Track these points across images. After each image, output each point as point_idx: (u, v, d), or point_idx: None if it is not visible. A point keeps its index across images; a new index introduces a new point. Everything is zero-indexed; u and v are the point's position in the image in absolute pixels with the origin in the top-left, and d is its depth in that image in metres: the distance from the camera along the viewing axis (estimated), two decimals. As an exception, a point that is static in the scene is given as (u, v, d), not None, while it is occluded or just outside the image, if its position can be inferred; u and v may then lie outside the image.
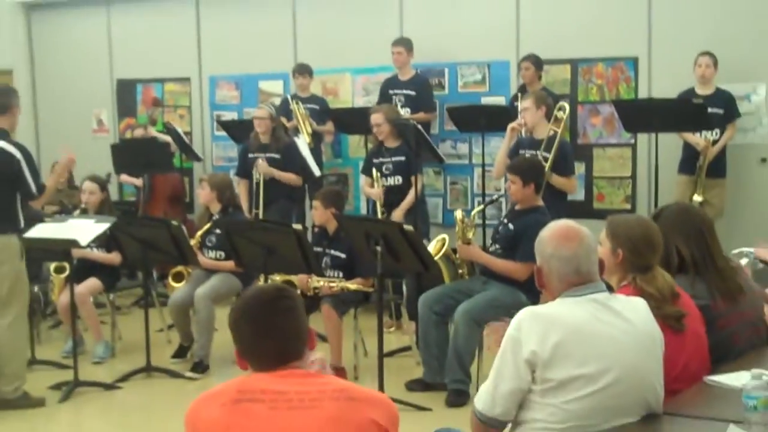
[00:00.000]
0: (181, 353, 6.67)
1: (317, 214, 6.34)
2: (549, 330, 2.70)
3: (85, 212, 6.77)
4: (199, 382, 6.15)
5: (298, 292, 5.73)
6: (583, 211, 7.14)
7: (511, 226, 5.61)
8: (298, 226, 6.02)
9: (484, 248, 6.06)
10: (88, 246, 6.21)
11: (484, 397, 2.82)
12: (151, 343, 6.34)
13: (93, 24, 10.05)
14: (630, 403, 2.75)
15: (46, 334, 7.45)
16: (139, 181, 8.94)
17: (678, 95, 7.10)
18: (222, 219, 6.53)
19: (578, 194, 7.39)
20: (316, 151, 8.12)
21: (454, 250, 5.84)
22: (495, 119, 7.35)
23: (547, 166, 6.34)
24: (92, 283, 6.72)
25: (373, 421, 2.38)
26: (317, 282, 6.05)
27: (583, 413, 2.68)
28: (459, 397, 5.45)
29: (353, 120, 8.01)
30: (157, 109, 9.53)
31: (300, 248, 5.61)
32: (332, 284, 6.07)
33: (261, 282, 5.67)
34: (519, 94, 7.43)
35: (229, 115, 9.35)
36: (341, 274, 6.17)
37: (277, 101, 8.66)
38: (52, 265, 6.94)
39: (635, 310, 2.87)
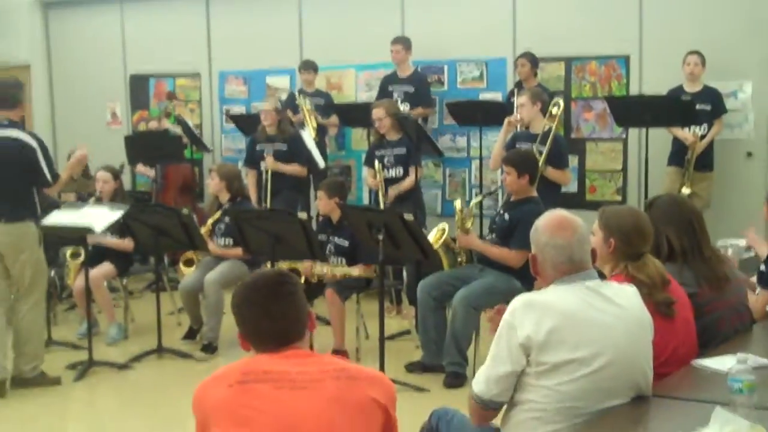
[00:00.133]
0: (190, 335, 6.74)
1: (321, 203, 6.41)
2: (543, 316, 2.72)
3: (99, 200, 6.82)
4: (208, 363, 6.22)
5: (303, 278, 5.90)
6: (576, 202, 7.13)
7: (506, 216, 5.65)
8: (303, 215, 6.03)
9: (482, 237, 6.09)
10: (103, 232, 6.29)
11: (482, 381, 2.85)
12: (162, 325, 6.41)
13: (107, 21, 10.12)
14: (621, 386, 2.78)
15: (62, 316, 7.53)
16: (152, 172, 9.00)
17: (667, 92, 7.19)
18: (231, 208, 6.51)
19: (572, 186, 7.41)
20: (320, 144, 8.17)
21: (454, 239, 5.89)
22: (492, 114, 7.42)
23: (542, 159, 6.40)
24: (106, 268, 6.82)
25: (373, 399, 2.43)
26: (321, 268, 6.13)
27: (576, 395, 2.72)
28: (456, 379, 5.51)
29: (356, 114, 8.03)
30: (171, 102, 9.57)
31: (305, 236, 5.65)
32: (336, 270, 6.15)
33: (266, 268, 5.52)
34: (515, 90, 7.49)
35: (238, 109, 9.39)
36: (344, 261, 6.22)
37: (284, 95, 8.74)
38: (68, 251, 7.03)
39: (626, 296, 2.91)
